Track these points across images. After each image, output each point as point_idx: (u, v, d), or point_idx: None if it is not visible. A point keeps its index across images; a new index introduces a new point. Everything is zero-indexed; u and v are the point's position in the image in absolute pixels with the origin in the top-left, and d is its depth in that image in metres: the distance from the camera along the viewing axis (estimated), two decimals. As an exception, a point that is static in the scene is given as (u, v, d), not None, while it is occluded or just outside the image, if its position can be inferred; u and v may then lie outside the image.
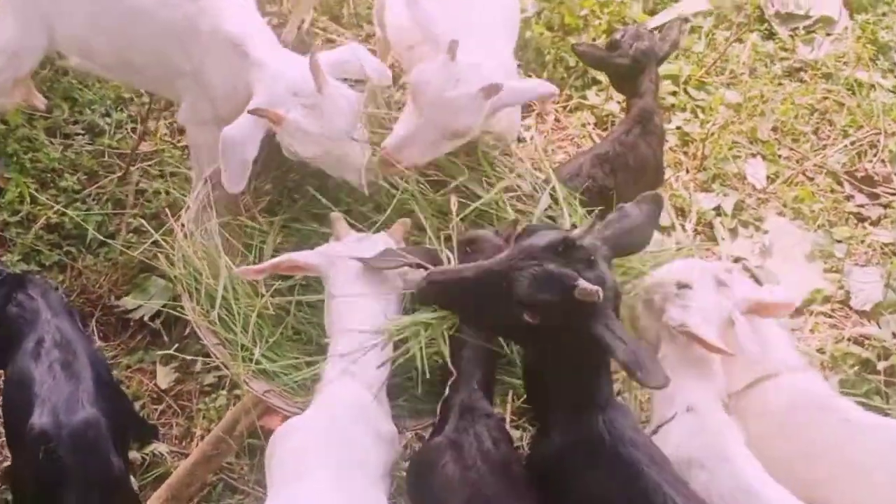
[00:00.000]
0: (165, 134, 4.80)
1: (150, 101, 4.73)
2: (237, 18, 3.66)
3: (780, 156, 5.19)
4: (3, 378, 3.42)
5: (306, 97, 3.33)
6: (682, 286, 3.05)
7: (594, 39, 5.38)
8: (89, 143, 4.73)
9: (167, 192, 4.41)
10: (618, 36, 4.14)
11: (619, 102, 5.11)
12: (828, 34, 5.80)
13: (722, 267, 3.19)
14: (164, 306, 4.02)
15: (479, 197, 3.57)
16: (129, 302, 4.12)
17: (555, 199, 3.62)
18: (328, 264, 3.10)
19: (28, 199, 4.42)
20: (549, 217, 3.60)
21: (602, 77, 5.10)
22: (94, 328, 4.11)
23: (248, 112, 3.35)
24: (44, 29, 3.95)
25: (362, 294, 3.00)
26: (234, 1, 3.73)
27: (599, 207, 3.53)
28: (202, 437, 3.78)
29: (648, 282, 3.15)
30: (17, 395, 3.16)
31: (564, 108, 5.27)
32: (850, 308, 4.51)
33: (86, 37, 3.90)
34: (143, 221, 4.06)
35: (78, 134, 4.76)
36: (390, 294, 3.03)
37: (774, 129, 5.31)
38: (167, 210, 3.84)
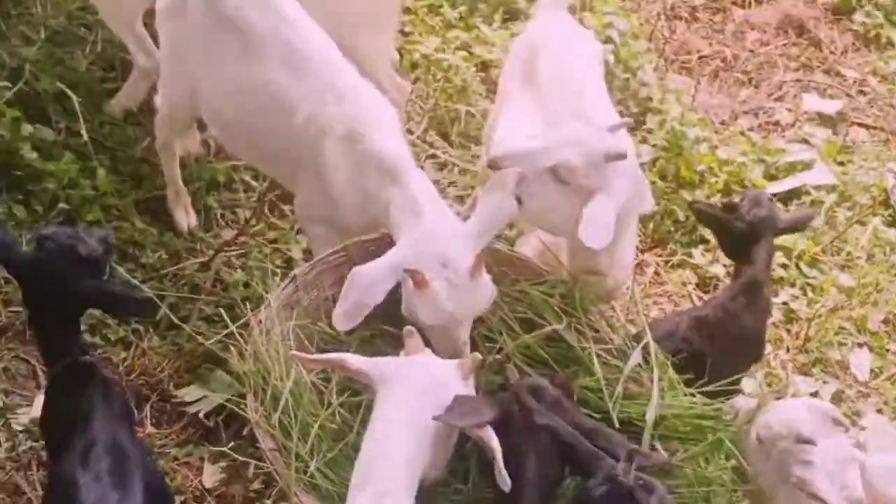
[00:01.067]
0: (256, 226, 4.87)
1: (259, 194, 4.81)
2: (394, 141, 3.77)
3: (887, 350, 5.10)
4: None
5: (455, 274, 3.38)
6: (804, 441, 3.15)
7: (708, 197, 5.38)
8: (178, 222, 4.81)
9: (246, 285, 4.46)
10: (737, 199, 4.16)
11: (725, 266, 5.08)
12: (954, 229, 5.73)
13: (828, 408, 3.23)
14: (225, 402, 4.02)
15: (567, 343, 3.57)
16: (188, 392, 4.13)
17: (646, 358, 3.60)
18: (379, 377, 3.07)
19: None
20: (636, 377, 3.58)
21: (710, 236, 5.09)
22: (149, 413, 4.12)
23: (389, 261, 3.41)
24: (191, 95, 4.15)
25: (406, 423, 2.97)
26: (389, 116, 3.83)
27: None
28: (241, 545, 3.75)
29: (763, 429, 3.14)
30: (62, 501, 3.13)
31: (667, 262, 5.25)
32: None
33: (224, 111, 4.05)
34: (219, 311, 4.09)
35: (168, 211, 4.85)
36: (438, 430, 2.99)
37: (885, 322, 5.22)
38: (244, 303, 3.89)
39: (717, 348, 3.89)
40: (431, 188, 3.71)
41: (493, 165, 3.64)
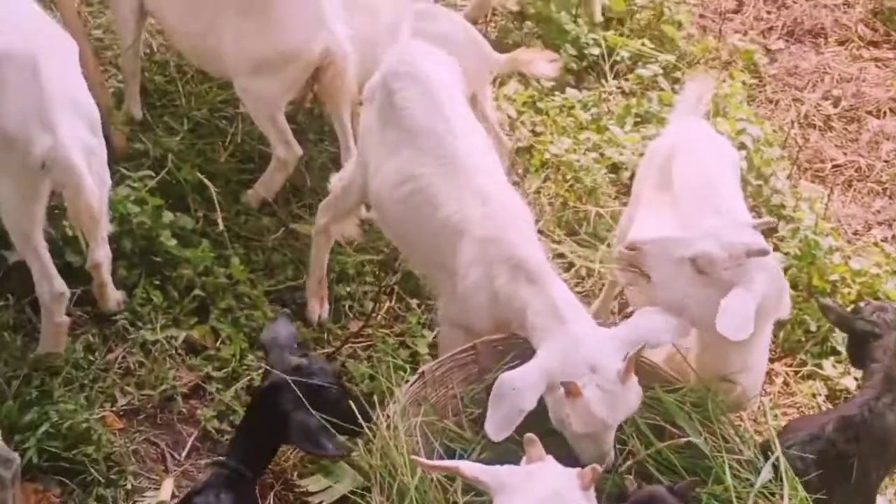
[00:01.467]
0: (385, 318, 4.92)
1: (385, 287, 4.88)
2: (532, 246, 3.82)
3: None
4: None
5: (606, 380, 3.39)
6: None
7: (840, 308, 5.28)
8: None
9: (372, 378, 4.49)
10: (861, 304, 4.22)
11: (855, 378, 4.96)
12: None
13: None
14: (349, 493, 4.02)
15: (698, 451, 3.52)
16: (312, 482, 4.15)
17: (775, 466, 3.54)
18: (496, 486, 3.07)
19: (237, 357, 4.58)
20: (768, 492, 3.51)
21: (842, 348, 4.99)
22: (272, 501, 4.15)
23: (538, 368, 3.43)
24: (363, 178, 4.33)
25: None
26: (529, 222, 3.91)
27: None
28: None
29: None
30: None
31: (796, 373, 5.15)
32: None
33: (383, 199, 4.18)
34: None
35: (295, 302, 4.91)
36: None
37: None
38: (370, 395, 3.90)
39: (863, 449, 3.83)
40: (570, 294, 3.74)
41: (632, 248, 3.67)
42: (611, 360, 3.42)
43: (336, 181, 4.63)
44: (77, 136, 3.94)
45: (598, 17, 6.55)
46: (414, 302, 4.92)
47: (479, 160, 4.01)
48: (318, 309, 4.80)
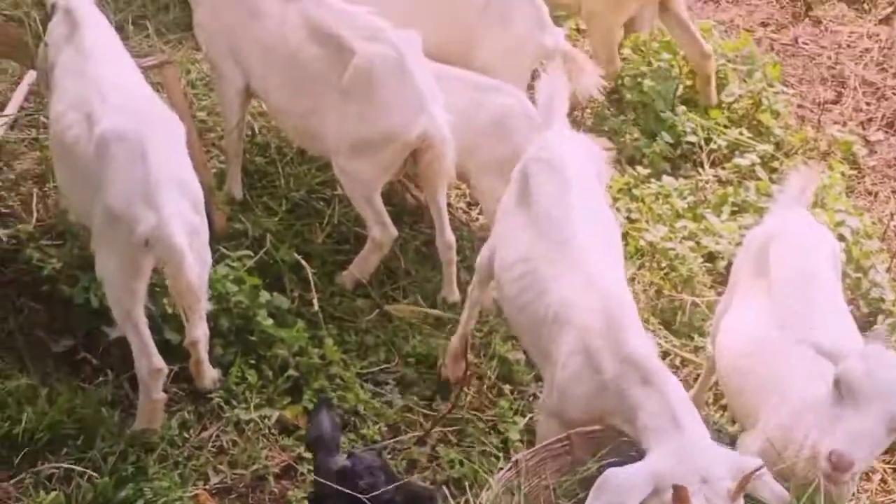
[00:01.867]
0: (476, 402, 4.89)
1: (472, 364, 4.86)
2: (643, 341, 3.79)
3: None
4: None
5: (716, 494, 3.34)
6: None
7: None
8: (399, 395, 4.86)
9: (462, 463, 4.46)
10: None
11: (958, 477, 4.82)
12: None
13: None
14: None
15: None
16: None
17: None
18: None
19: (327, 438, 4.56)
20: None
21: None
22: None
23: (648, 470, 3.39)
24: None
25: None
26: (635, 315, 3.88)
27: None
28: None
29: None
30: None
31: (894, 470, 5.01)
32: None
33: (506, 275, 4.22)
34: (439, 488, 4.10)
35: (387, 383, 4.93)
36: None
37: None
38: (460, 481, 3.87)
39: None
40: (685, 395, 3.68)
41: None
42: (723, 476, 3.35)
43: (482, 251, 4.73)
44: (181, 215, 4.02)
45: (714, 100, 6.56)
46: (507, 388, 4.89)
47: (593, 250, 4.00)
48: (456, 370, 4.82)
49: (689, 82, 6.69)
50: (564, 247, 3.98)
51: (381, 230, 5.06)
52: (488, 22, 5.49)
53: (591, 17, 6.27)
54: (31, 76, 5.90)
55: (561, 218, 4.06)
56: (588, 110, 6.52)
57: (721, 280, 5.52)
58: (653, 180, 6.10)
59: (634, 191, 5.97)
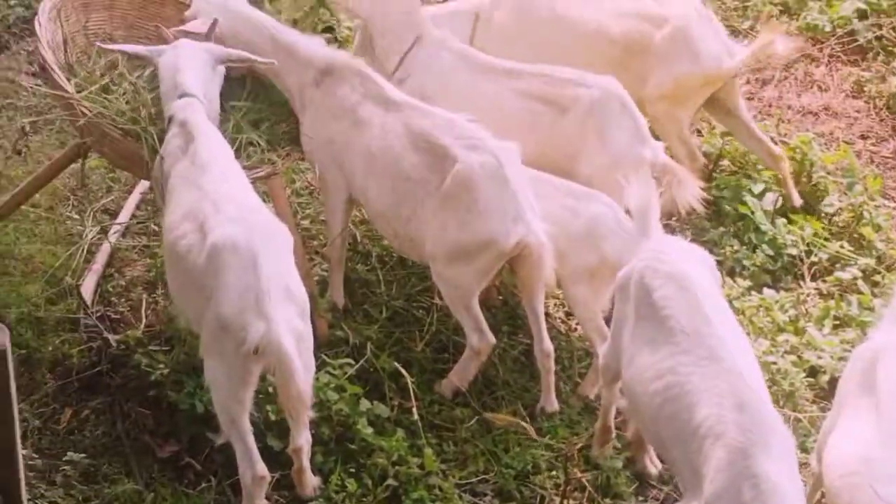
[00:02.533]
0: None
1: (571, 475, 4.82)
2: (784, 467, 3.78)
3: None
4: None
5: None
6: None
7: None
8: (491, 509, 4.84)
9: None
10: None
11: None
12: None
13: None
14: None
15: None
16: None
17: None
18: None
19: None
20: None
21: None
22: None
23: None
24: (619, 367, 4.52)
25: None
26: (784, 438, 3.89)
27: None
28: None
29: None
30: None
31: None
32: None
33: (636, 392, 4.28)
34: None
35: (486, 494, 4.90)
36: None
37: None
38: None
39: None
40: None
41: None
42: None
43: (600, 356, 4.79)
44: (289, 323, 4.09)
45: (797, 200, 6.53)
46: (607, 501, 4.84)
47: (740, 363, 4.03)
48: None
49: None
50: (713, 361, 4.02)
51: (480, 337, 5.09)
52: (587, 135, 5.55)
53: (658, 119, 6.30)
54: (142, 185, 6.11)
55: (705, 333, 4.10)
56: (687, 222, 6.51)
57: (823, 395, 5.45)
58: (753, 293, 6.06)
59: (735, 303, 5.92)
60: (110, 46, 5.05)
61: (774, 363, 5.51)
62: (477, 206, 4.90)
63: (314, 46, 5.37)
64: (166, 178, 4.59)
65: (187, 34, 5.18)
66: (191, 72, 4.83)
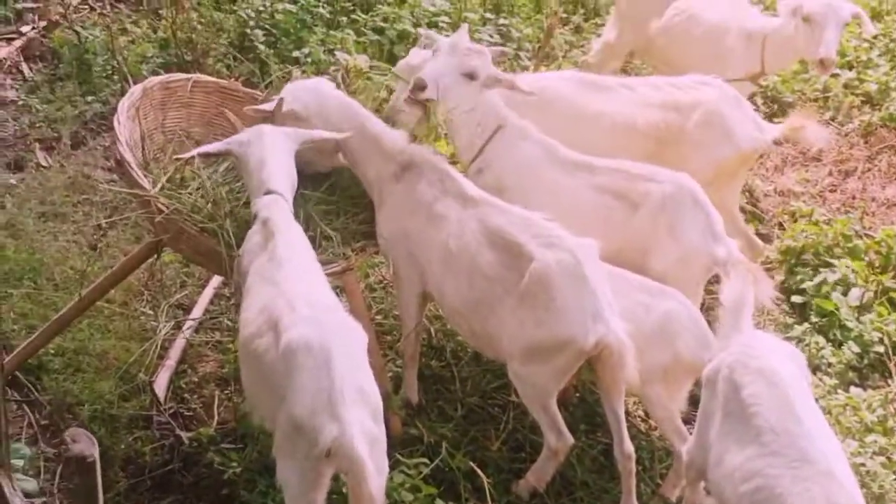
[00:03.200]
0: None
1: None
2: None
3: None
4: None
5: None
6: None
7: None
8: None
9: None
10: None
11: None
12: None
13: None
14: None
15: None
16: None
17: None
18: None
19: None
20: None
21: None
22: None
23: None
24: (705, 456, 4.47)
25: None
26: None
27: None
28: None
29: None
30: None
31: None
32: None
33: (728, 495, 4.20)
34: None
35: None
36: None
37: None
38: None
39: None
40: None
41: None
42: None
43: (684, 452, 4.73)
44: (362, 425, 4.06)
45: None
46: None
47: (833, 465, 3.97)
48: None
49: (874, 288, 6.58)
50: (805, 463, 3.97)
51: (557, 437, 5.03)
52: (658, 230, 5.53)
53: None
54: (216, 280, 6.18)
55: (796, 433, 4.04)
56: (769, 318, 6.44)
57: (914, 497, 5.31)
58: (840, 391, 5.94)
59: (821, 402, 5.80)
60: (186, 156, 5.07)
61: (863, 465, 5.37)
62: (554, 304, 4.87)
63: (398, 140, 5.42)
64: (245, 273, 4.63)
65: (258, 111, 5.29)
66: (276, 166, 4.91)
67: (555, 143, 5.71)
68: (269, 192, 4.82)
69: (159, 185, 5.13)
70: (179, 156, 5.17)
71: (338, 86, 5.65)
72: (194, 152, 5.07)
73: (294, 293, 4.30)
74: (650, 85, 6.40)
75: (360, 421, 4.03)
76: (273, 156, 4.93)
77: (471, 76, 5.58)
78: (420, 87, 5.47)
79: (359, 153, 5.40)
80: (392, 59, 6.15)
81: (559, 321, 4.85)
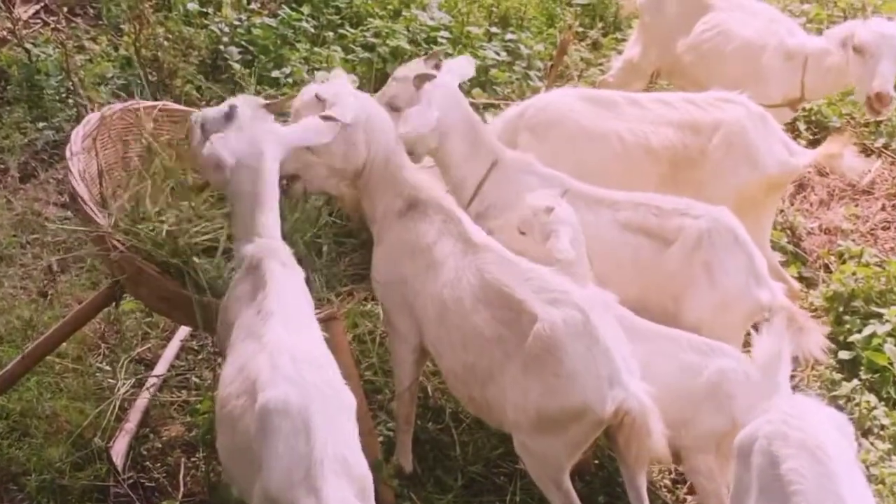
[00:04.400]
0: None
1: None
2: None
3: None
4: None
5: None
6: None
7: None
8: None
9: None
10: None
11: None
12: None
13: None
14: None
15: None
16: None
17: None
18: None
19: None
20: None
21: None
22: None
23: None
24: None
25: None
26: None
27: None
28: None
29: None
30: None
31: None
32: None
33: None
34: None
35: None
36: None
37: None
38: None
39: None
40: None
41: None
42: None
43: None
44: (344, 502, 4.04)
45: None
46: None
47: None
48: None
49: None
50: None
51: (570, 516, 5.01)
52: (694, 271, 5.51)
53: None
54: (182, 332, 6.18)
55: (829, 482, 4.03)
56: (814, 372, 6.43)
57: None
58: (894, 457, 5.93)
59: (872, 469, 5.80)
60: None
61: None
62: (564, 368, 4.79)
63: (415, 174, 5.41)
64: (228, 326, 4.62)
65: (328, 118, 5.17)
66: (273, 205, 4.83)
67: (563, 176, 5.69)
68: (258, 236, 4.75)
69: (113, 219, 5.14)
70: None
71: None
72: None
73: (278, 348, 4.27)
74: (661, 101, 6.44)
75: (342, 499, 4.00)
76: (271, 189, 4.85)
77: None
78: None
79: (377, 183, 5.36)
80: (384, 80, 6.12)
81: (570, 388, 4.78)
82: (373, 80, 7.43)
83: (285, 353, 4.22)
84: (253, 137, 4.87)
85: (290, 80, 8.06)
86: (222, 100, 7.35)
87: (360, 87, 5.79)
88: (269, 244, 4.73)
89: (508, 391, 4.94)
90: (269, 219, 4.80)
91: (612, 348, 4.79)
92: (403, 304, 5.32)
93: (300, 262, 4.82)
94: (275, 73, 8.20)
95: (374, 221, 5.42)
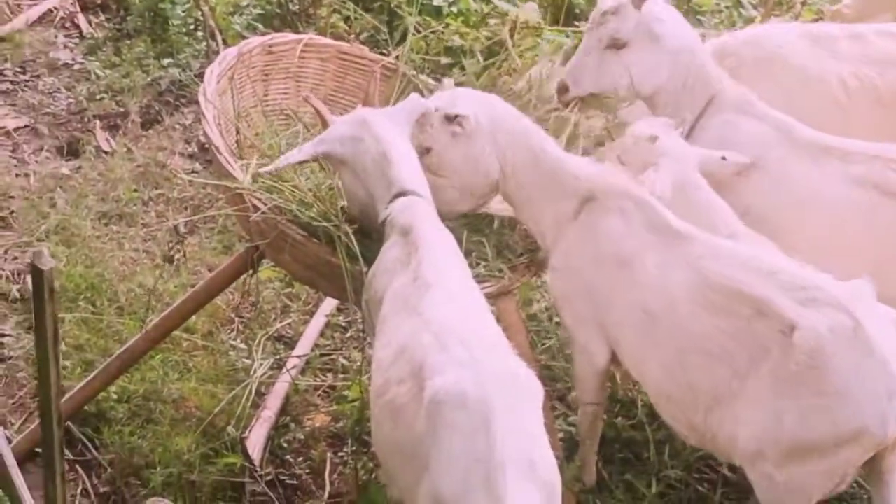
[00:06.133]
0: None
1: None
2: None
3: None
4: None
5: None
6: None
7: None
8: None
9: None
10: None
11: None
12: None
13: None
14: None
15: None
16: None
17: None
18: None
19: None
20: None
21: None
22: None
23: None
24: None
25: None
26: None
27: None
28: None
29: None
30: None
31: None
32: None
33: None
34: None
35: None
36: None
37: None
38: None
39: None
40: None
41: None
42: None
43: None
44: None
45: None
46: None
47: None
48: None
49: None
50: None
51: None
52: None
53: None
54: (329, 305, 6.23)
55: None
56: None
57: None
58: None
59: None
60: (268, 168, 5.05)
61: None
62: (832, 387, 4.58)
63: (584, 166, 5.28)
64: (378, 302, 4.64)
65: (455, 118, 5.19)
66: (404, 158, 4.89)
67: (789, 119, 5.56)
68: (401, 194, 4.80)
69: (253, 175, 5.13)
70: (263, 169, 5.14)
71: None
72: (279, 163, 5.05)
73: (445, 327, 4.25)
74: (890, 35, 6.24)
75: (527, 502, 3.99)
76: (396, 146, 4.92)
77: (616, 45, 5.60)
78: (562, 90, 5.57)
79: (531, 191, 5.24)
80: (570, 11, 6.04)
81: (841, 409, 4.59)
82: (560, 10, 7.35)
83: (454, 333, 4.20)
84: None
85: (454, 8, 7.99)
86: (376, 31, 7.47)
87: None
88: (413, 201, 4.77)
89: (746, 416, 4.76)
90: (405, 171, 4.85)
91: (888, 355, 4.63)
92: (590, 318, 5.17)
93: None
94: (437, 1, 8.11)
95: (545, 236, 5.29)
